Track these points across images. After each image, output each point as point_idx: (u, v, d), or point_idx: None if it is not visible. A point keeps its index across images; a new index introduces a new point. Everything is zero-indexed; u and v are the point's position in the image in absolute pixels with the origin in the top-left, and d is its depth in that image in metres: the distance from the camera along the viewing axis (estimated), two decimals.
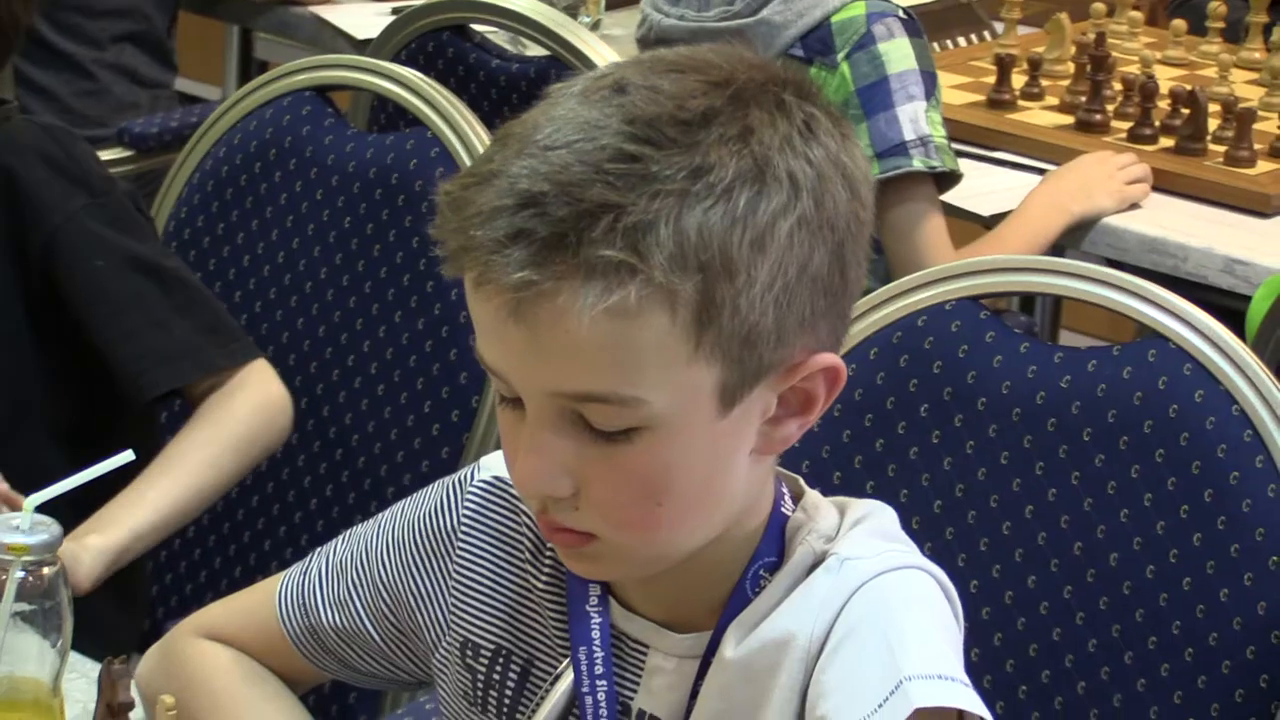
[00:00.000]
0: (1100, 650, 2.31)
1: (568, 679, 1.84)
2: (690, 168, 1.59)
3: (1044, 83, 4.16)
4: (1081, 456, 2.33)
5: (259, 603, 2.06)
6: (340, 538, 2.02)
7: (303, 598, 2.00)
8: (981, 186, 3.77)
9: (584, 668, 1.81)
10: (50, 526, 2.00)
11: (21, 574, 1.97)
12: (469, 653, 1.92)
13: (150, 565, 2.93)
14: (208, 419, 2.79)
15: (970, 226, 3.80)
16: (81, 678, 2.08)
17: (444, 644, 1.94)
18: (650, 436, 1.64)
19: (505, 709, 1.90)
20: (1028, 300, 3.00)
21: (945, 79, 4.06)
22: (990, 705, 1.73)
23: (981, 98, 4.13)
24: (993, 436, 2.37)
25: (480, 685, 1.92)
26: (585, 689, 1.81)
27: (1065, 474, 2.34)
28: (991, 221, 3.70)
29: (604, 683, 1.81)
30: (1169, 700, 2.27)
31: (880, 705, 1.65)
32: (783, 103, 1.66)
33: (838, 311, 1.71)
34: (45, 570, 1.99)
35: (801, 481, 1.84)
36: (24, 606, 1.97)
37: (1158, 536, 2.29)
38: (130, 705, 2.02)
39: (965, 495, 2.38)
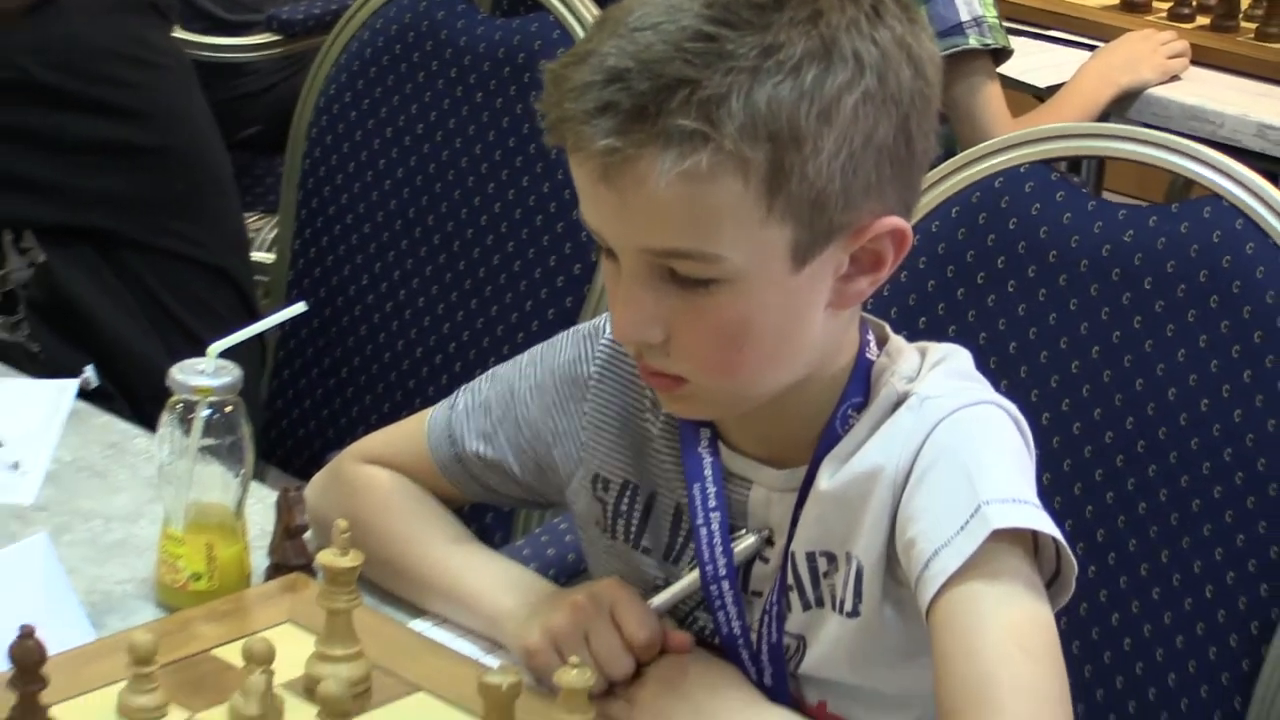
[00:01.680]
0: (1159, 476, 2.31)
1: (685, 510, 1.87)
2: (762, 46, 1.61)
3: None
4: (1143, 303, 2.32)
5: (410, 433, 2.07)
6: (484, 377, 2.04)
7: (450, 430, 2.02)
8: (1037, 62, 3.78)
9: (698, 502, 1.84)
10: (231, 370, 2.01)
11: (208, 412, 1.99)
12: (599, 486, 1.94)
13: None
14: None
15: (1026, 98, 3.76)
16: (259, 503, 2.07)
17: (577, 477, 1.96)
18: (730, 289, 1.67)
19: (631, 535, 1.93)
20: (1074, 164, 2.96)
21: None
22: (1060, 525, 1.73)
23: None
24: (1062, 285, 2.36)
25: (609, 514, 1.94)
26: (700, 520, 1.83)
27: (1128, 319, 2.32)
28: (1046, 93, 3.69)
29: (717, 514, 1.83)
30: (1221, 518, 2.26)
31: (962, 528, 1.67)
32: None
33: (905, 180, 1.72)
34: (228, 408, 2.00)
35: (887, 328, 1.85)
36: (210, 441, 1.98)
37: (1211, 374, 2.28)
38: (305, 528, 2.04)
39: (1037, 338, 2.37)
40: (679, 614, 1.91)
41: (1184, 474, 2.29)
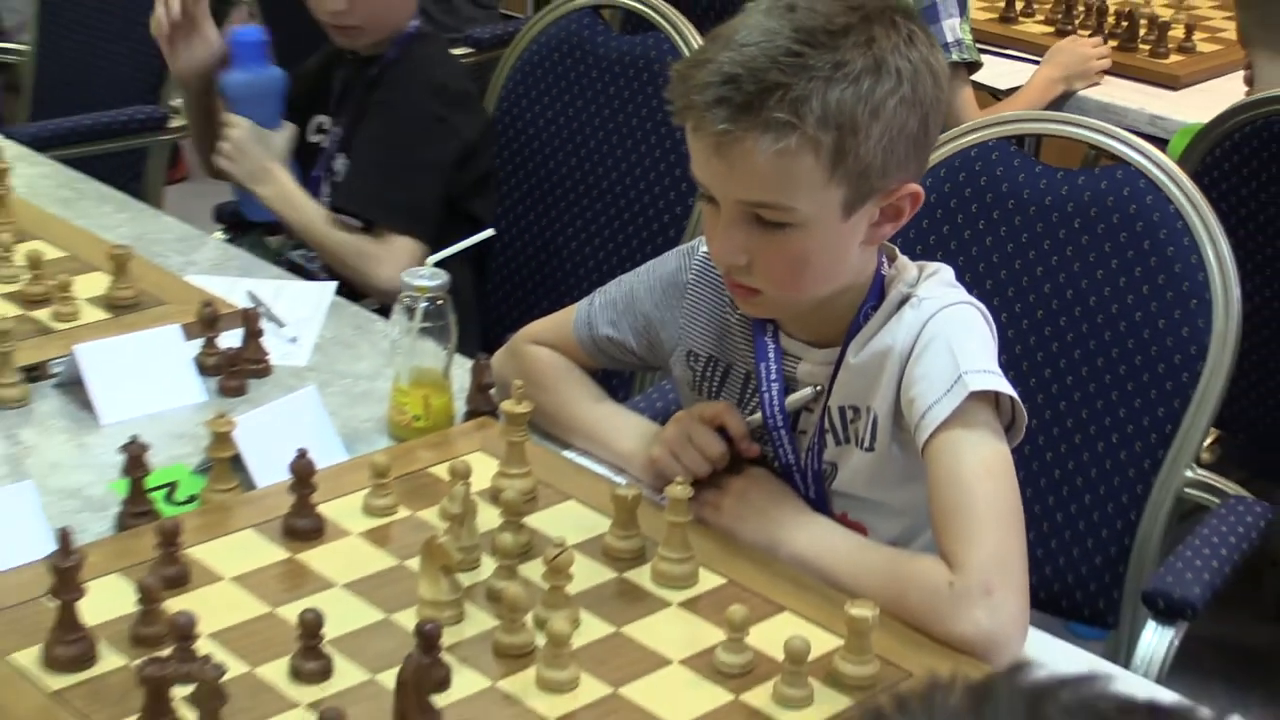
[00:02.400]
0: (1081, 358, 2.30)
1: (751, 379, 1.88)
2: (833, 62, 1.63)
3: (1035, 5, 4.05)
4: (1073, 237, 2.30)
5: (562, 322, 2.06)
6: (612, 283, 2.04)
7: (589, 320, 2.01)
8: (996, 71, 3.71)
9: (763, 373, 1.84)
10: (441, 275, 2.00)
11: (425, 304, 1.97)
12: (691, 359, 1.94)
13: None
14: (354, 235, 2.70)
15: (987, 97, 3.71)
16: (460, 368, 2.06)
17: (676, 352, 1.96)
18: (798, 231, 1.69)
19: (712, 394, 1.93)
20: (1020, 140, 2.93)
21: (974, 4, 4.03)
22: (1015, 389, 1.75)
23: (996, 15, 4.02)
24: (1017, 224, 2.34)
25: (698, 379, 1.94)
26: (764, 387, 1.84)
27: (1063, 247, 2.30)
28: (1003, 93, 3.64)
29: (776, 382, 1.83)
30: (1124, 388, 2.26)
31: (948, 390, 1.70)
32: (894, 21, 1.69)
33: (921, 157, 1.74)
34: (439, 302, 1.99)
35: (896, 250, 1.85)
36: (427, 324, 1.97)
37: (1120, 286, 2.26)
38: (491, 384, 2.03)
39: (998, 260, 2.35)
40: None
41: (1099, 356, 2.28)
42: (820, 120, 1.62)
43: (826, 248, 1.71)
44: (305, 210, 2.69)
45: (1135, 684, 1.80)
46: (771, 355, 1.83)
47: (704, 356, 1.92)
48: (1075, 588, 2.31)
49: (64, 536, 1.53)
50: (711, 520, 1.80)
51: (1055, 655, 1.70)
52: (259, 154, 2.70)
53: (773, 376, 1.83)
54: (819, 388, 1.82)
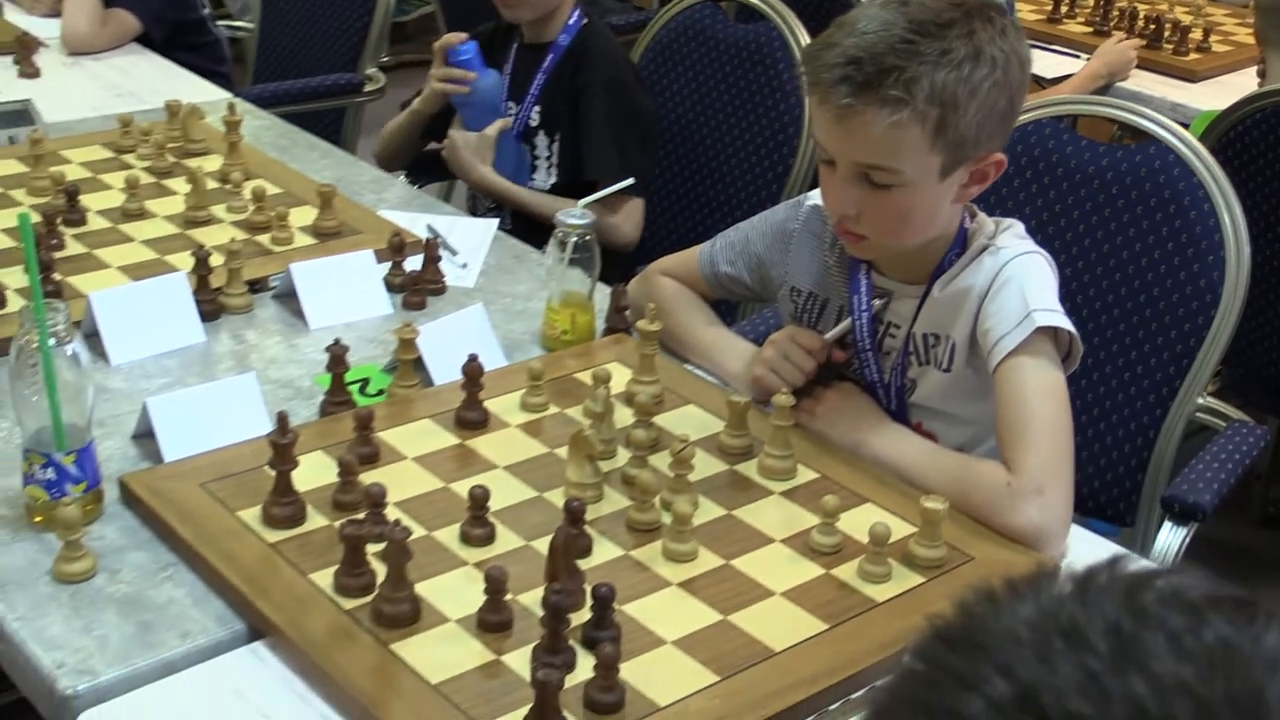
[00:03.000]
0: (1118, 299, 2.22)
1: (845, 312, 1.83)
2: (940, 49, 1.58)
3: (1077, 8, 3.91)
4: (1113, 203, 2.21)
5: (688, 259, 2.02)
6: (731, 228, 1.99)
7: (711, 258, 1.97)
8: (1043, 65, 3.57)
9: (855, 303, 1.79)
10: (589, 214, 1.96)
11: (574, 239, 1.92)
12: (794, 293, 1.89)
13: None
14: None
15: (1034, 86, 3.59)
16: (601, 293, 2.02)
17: (783, 287, 1.90)
18: (902, 190, 1.63)
19: (812, 324, 1.87)
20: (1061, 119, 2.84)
21: (1024, 5, 3.92)
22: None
23: (1044, 15, 3.90)
24: (1064, 189, 2.25)
25: (799, 310, 1.89)
26: (857, 316, 1.79)
27: (1103, 209, 2.22)
28: (1049, 82, 3.52)
29: (866, 311, 1.78)
30: (1149, 327, 2.18)
31: (1018, 324, 1.64)
32: (990, 17, 1.62)
33: (1007, 131, 1.68)
34: (587, 238, 1.94)
35: (977, 210, 1.79)
36: (575, 256, 1.93)
37: (1149, 242, 2.18)
38: (627, 307, 2.00)
39: (1048, 218, 2.26)
40: (846, 374, 1.85)
41: (1129, 300, 2.21)
42: (928, 98, 1.57)
43: (924, 204, 1.65)
44: (518, 196, 2.67)
45: None
46: (864, 289, 1.78)
47: (805, 291, 1.87)
48: (1100, 491, 2.24)
49: (282, 418, 1.51)
50: (807, 424, 1.76)
51: (1093, 547, 1.64)
52: (468, 161, 2.68)
53: (864, 306, 1.78)
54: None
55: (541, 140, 2.70)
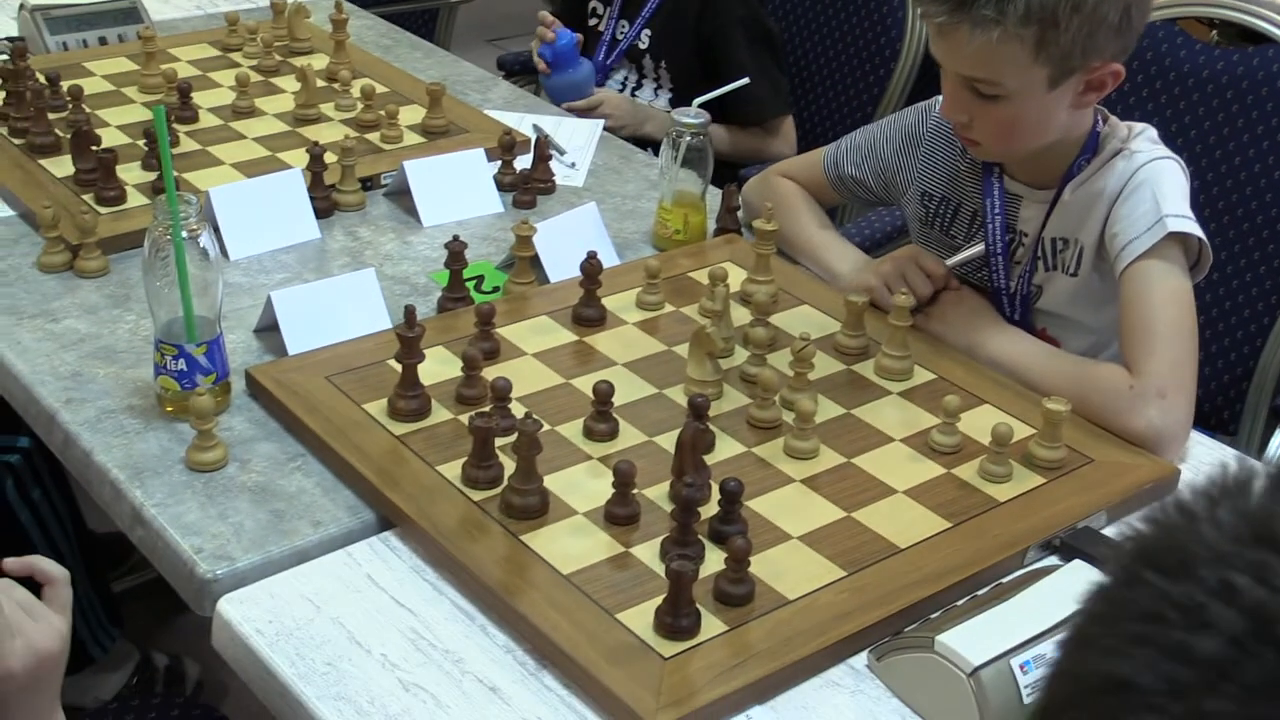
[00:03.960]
0: (1244, 203, 2.17)
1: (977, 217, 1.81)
2: None
3: None
4: (1227, 108, 2.17)
5: (813, 162, 2.01)
6: (858, 130, 1.98)
7: (836, 160, 1.96)
8: None
9: (988, 208, 1.77)
10: (704, 114, 1.95)
11: (688, 138, 1.91)
12: (925, 198, 1.87)
13: None
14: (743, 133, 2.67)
15: None
16: (713, 195, 2.01)
17: (910, 192, 1.89)
18: (1007, 101, 1.61)
19: (944, 229, 1.86)
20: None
21: None
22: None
23: None
24: (1176, 93, 2.21)
25: (930, 215, 1.87)
26: (989, 219, 1.77)
27: (1215, 115, 2.17)
28: None
29: (999, 216, 1.76)
30: (1252, 236, 2.13)
31: (1149, 228, 1.62)
32: None
33: (1123, 42, 1.61)
34: (700, 137, 1.93)
35: (1109, 114, 1.75)
36: (687, 155, 1.92)
37: (1263, 149, 2.13)
38: (738, 207, 1.99)
39: (1162, 123, 2.22)
40: (967, 276, 1.82)
41: (1240, 207, 2.18)
42: (1022, 18, 1.53)
43: (1033, 114, 1.63)
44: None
45: None
46: (996, 194, 1.76)
47: (937, 196, 1.85)
48: (1204, 399, 2.21)
49: (409, 312, 1.52)
50: (922, 325, 1.75)
51: (1211, 452, 1.63)
52: (628, 112, 2.63)
53: (996, 210, 1.76)
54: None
55: (648, 63, 2.69)
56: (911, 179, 1.88)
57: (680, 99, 2.63)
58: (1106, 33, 1.58)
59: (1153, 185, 1.64)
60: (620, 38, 2.72)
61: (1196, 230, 1.62)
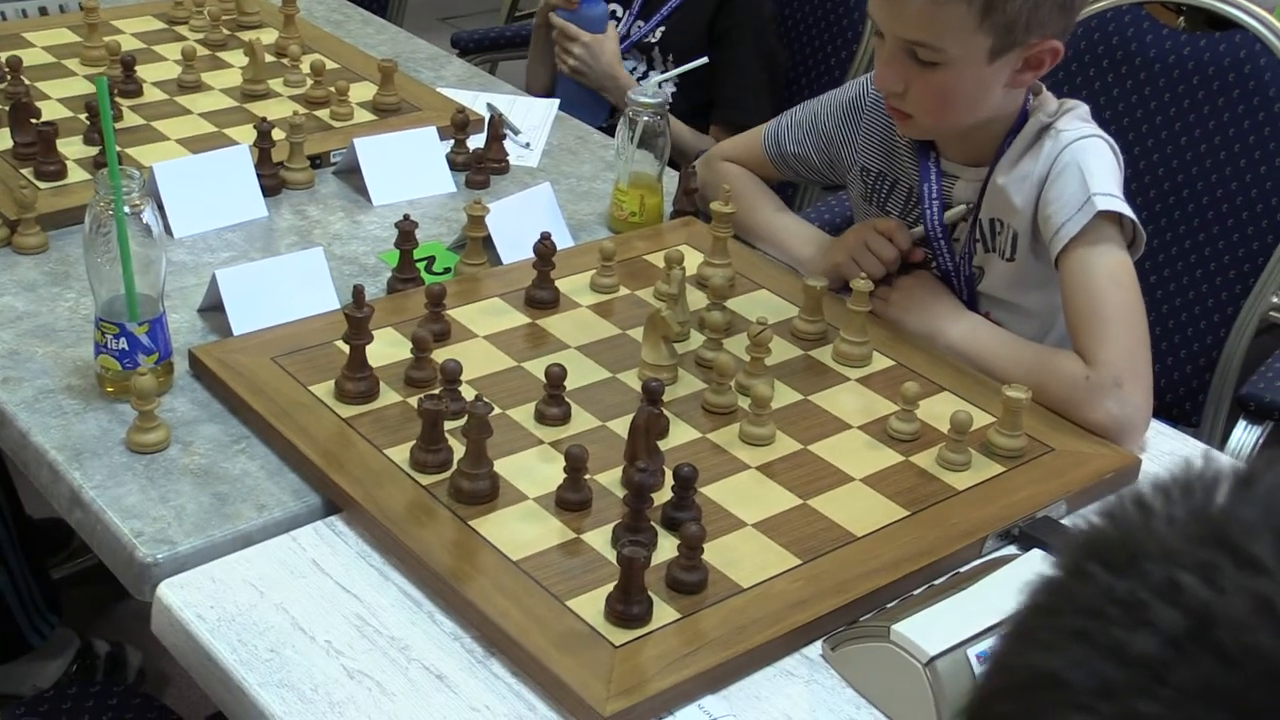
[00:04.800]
0: (1188, 182, 2.19)
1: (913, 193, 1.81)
2: None
3: None
4: (1193, 94, 2.18)
5: (751, 141, 2.00)
6: (799, 106, 1.98)
7: (777, 137, 1.96)
8: None
9: (925, 192, 1.78)
10: (662, 94, 1.95)
11: (646, 118, 1.91)
12: (864, 173, 1.87)
13: None
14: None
15: None
16: (669, 177, 2.00)
17: (853, 168, 1.88)
18: (946, 69, 1.62)
19: (881, 203, 1.86)
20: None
21: None
22: (1135, 212, 1.66)
23: None
24: (1142, 78, 2.22)
25: (869, 190, 1.87)
26: (926, 204, 1.78)
27: (1181, 101, 2.18)
28: None
29: (937, 200, 1.77)
30: (1224, 219, 2.16)
31: (1079, 209, 1.63)
32: None
33: (1066, 20, 1.63)
34: (658, 117, 1.93)
35: (1043, 87, 1.75)
36: (644, 136, 1.91)
37: (1229, 135, 2.16)
38: (696, 189, 1.99)
39: (1123, 107, 2.23)
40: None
41: (1205, 194, 2.19)
42: None
43: (970, 86, 1.63)
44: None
45: None
46: (933, 177, 1.76)
47: (875, 171, 1.85)
48: (1166, 390, 2.23)
49: (358, 292, 1.51)
50: (881, 311, 1.75)
51: (1173, 443, 1.64)
52: (604, 65, 2.59)
53: (934, 195, 1.76)
54: (970, 205, 1.75)
55: (657, 55, 2.68)
56: (853, 154, 1.88)
57: (684, 93, 2.62)
58: (1051, 8, 1.59)
59: (1079, 165, 1.64)
60: (634, 32, 2.72)
61: (1126, 210, 1.62)
